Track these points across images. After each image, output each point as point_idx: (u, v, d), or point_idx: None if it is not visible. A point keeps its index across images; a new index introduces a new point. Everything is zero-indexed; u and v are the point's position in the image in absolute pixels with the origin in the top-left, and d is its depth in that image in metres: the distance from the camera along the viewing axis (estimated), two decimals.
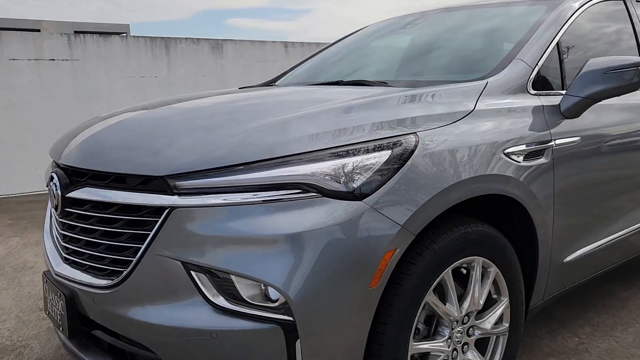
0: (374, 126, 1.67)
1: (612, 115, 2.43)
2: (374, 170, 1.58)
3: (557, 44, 2.29)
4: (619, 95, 2.17)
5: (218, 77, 7.82)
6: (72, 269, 1.82)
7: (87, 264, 1.76)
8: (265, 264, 1.47)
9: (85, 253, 1.75)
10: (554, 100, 2.18)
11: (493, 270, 1.94)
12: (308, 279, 1.46)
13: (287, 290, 1.44)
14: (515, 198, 1.93)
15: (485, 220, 1.95)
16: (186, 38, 7.60)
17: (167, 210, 1.54)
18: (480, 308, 1.92)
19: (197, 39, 7.69)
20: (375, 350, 1.62)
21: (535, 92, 2.15)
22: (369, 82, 2.36)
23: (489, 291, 1.97)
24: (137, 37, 7.14)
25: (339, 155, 1.57)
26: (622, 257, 2.73)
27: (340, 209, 1.51)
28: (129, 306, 1.61)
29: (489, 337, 2.01)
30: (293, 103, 2.00)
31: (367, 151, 1.60)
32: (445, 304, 1.80)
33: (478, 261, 1.88)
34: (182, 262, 1.52)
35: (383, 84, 2.31)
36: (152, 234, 1.56)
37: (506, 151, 1.89)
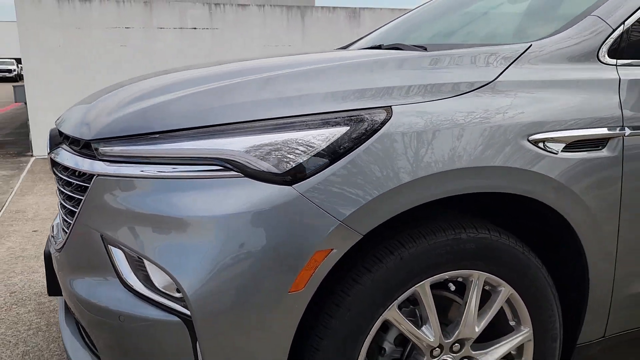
0: (338, 95, 1.35)
1: None
2: (318, 150, 1.28)
3: None
4: None
5: None
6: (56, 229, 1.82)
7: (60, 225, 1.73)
8: (166, 248, 1.28)
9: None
10: None
11: (505, 290, 1.49)
12: (212, 271, 1.24)
13: (183, 280, 1.24)
14: (550, 205, 1.45)
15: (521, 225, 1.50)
16: (322, 7, 7.50)
17: (94, 177, 1.42)
18: (475, 336, 1.50)
19: (333, 7, 7.54)
20: None
21: (614, 60, 1.58)
22: (404, 46, 1.97)
23: (507, 317, 1.54)
24: (274, 6, 7.23)
25: (278, 129, 1.30)
26: None
27: (261, 194, 1.25)
28: (68, 274, 1.54)
29: None
30: (280, 65, 1.73)
31: (317, 126, 1.30)
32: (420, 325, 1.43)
33: (477, 277, 1.45)
34: (100, 234, 1.40)
35: (419, 48, 1.90)
36: (83, 200, 1.46)
37: (533, 137, 1.41)
